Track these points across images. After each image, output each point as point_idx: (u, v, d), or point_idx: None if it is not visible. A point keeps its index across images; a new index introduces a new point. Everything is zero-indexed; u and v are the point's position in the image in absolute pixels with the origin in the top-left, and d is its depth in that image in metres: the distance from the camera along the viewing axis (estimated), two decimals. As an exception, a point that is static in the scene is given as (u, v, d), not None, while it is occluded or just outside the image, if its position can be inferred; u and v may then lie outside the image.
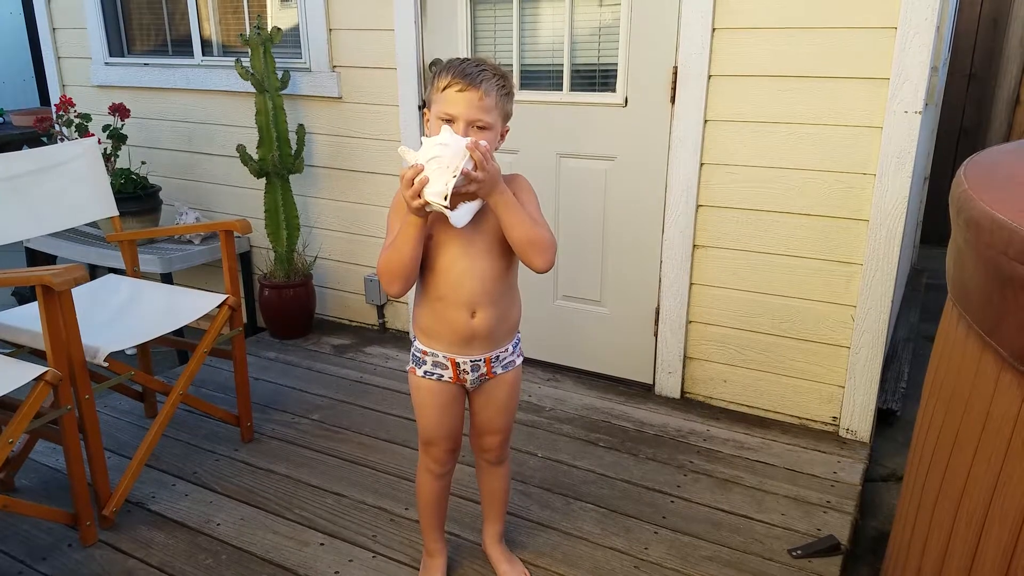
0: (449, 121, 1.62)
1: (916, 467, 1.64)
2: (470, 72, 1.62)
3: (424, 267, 1.73)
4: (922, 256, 4.97)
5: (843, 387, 2.73)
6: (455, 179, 1.54)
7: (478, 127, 1.63)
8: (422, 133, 1.73)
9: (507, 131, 1.74)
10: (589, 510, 2.34)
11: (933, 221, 5.00)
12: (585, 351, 3.23)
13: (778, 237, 2.71)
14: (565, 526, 2.26)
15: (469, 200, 1.64)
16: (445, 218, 1.62)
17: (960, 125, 5.37)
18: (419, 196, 1.56)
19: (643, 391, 3.10)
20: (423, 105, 3.17)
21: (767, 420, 2.88)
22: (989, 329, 1.32)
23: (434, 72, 1.68)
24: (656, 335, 3.02)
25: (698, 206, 2.80)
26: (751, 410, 2.93)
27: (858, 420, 2.72)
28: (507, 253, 1.75)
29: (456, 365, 1.80)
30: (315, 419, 2.90)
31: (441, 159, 1.55)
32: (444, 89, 1.63)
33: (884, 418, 2.96)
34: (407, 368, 1.88)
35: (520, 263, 1.77)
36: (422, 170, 1.55)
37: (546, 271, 1.72)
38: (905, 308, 4.08)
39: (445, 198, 1.54)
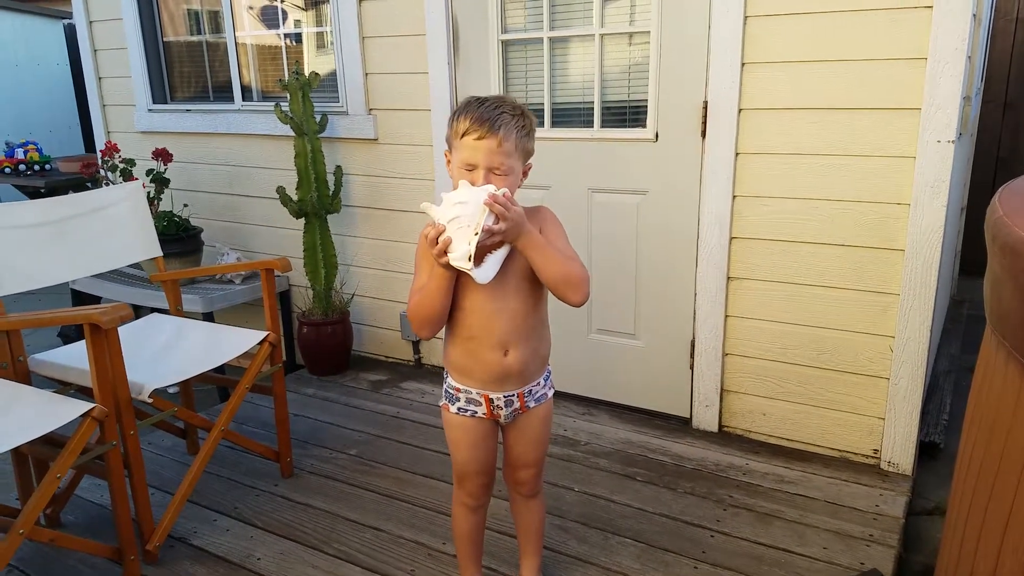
0: (469, 167, 1.64)
1: (959, 498, 1.61)
2: (488, 118, 1.61)
3: (454, 306, 1.74)
4: (961, 287, 4.89)
5: (883, 419, 2.69)
6: (477, 237, 1.54)
7: (498, 173, 1.64)
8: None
9: (529, 167, 1.75)
10: (628, 545, 2.32)
11: (971, 251, 4.93)
12: (620, 384, 3.23)
13: (813, 268, 2.70)
14: (603, 561, 2.25)
15: (496, 248, 1.64)
16: None
17: (996, 154, 5.32)
18: (444, 253, 1.58)
19: (680, 424, 3.09)
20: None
21: (807, 453, 2.84)
22: (1030, 355, 1.31)
23: (452, 113, 1.69)
24: (692, 368, 3.01)
25: (731, 238, 2.81)
26: (791, 443, 2.89)
27: (899, 452, 2.68)
28: (536, 289, 1.75)
29: (490, 401, 1.81)
30: (353, 454, 2.93)
31: (461, 219, 1.55)
32: (463, 136, 1.63)
33: (927, 451, 2.91)
34: (440, 404, 1.90)
35: (553, 297, 1.78)
36: (444, 230, 1.57)
37: (582, 304, 1.72)
38: (945, 340, 4.02)
39: (469, 259, 1.55)
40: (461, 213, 1.56)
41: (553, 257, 1.68)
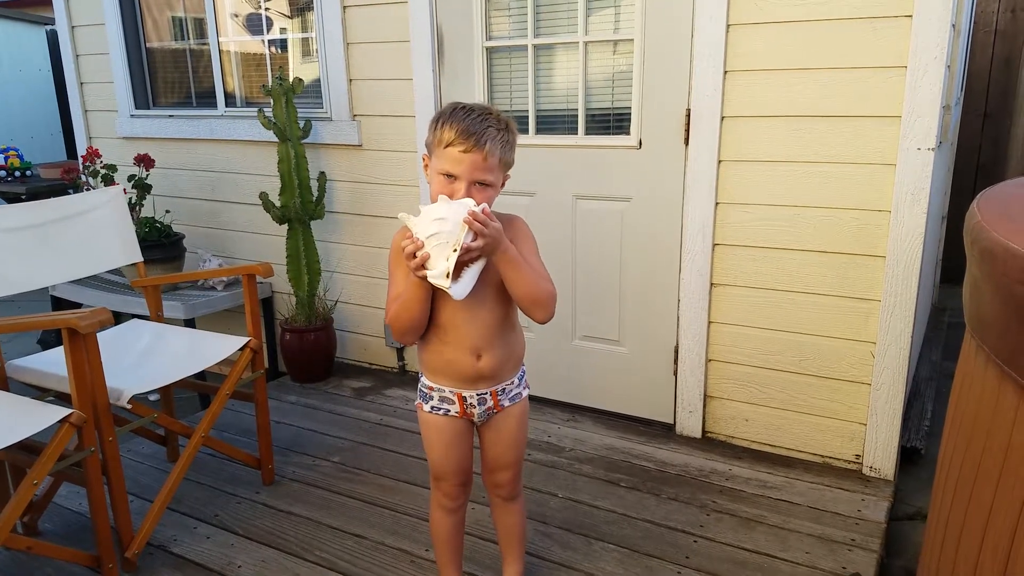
0: (450, 176, 1.63)
1: (940, 500, 1.62)
2: (475, 131, 1.59)
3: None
4: (942, 295, 4.94)
5: (865, 424, 2.71)
6: (456, 253, 1.54)
7: (480, 184, 1.63)
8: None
9: (508, 177, 1.74)
10: (611, 550, 2.32)
11: (952, 259, 4.98)
12: (604, 391, 3.22)
13: (795, 274, 2.72)
14: (587, 567, 2.24)
15: (472, 263, 1.63)
16: None
17: (977, 164, 5.38)
18: (421, 268, 1.58)
19: (664, 430, 3.09)
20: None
21: (790, 459, 2.85)
22: (1007, 359, 1.32)
23: (435, 119, 1.66)
24: (675, 374, 3.02)
25: (714, 245, 2.82)
26: (773, 449, 2.90)
27: (881, 457, 2.69)
28: (508, 299, 1.76)
29: (463, 400, 1.81)
30: (335, 461, 2.91)
31: (440, 235, 1.54)
32: (447, 146, 1.61)
33: (908, 456, 2.92)
34: (415, 403, 1.90)
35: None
36: (422, 246, 1.56)
37: (546, 322, 1.75)
38: (927, 346, 4.05)
39: (447, 276, 1.55)
40: (440, 229, 1.55)
41: (526, 275, 1.68)
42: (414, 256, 1.57)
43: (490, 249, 1.61)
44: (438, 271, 1.56)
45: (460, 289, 1.61)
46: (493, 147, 1.61)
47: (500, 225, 1.62)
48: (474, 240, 1.57)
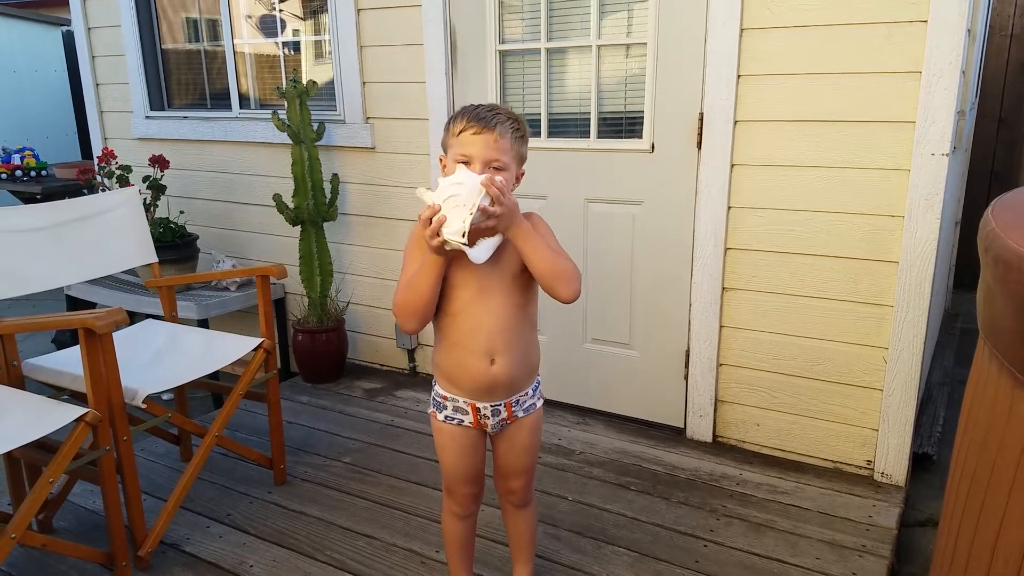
0: (466, 163, 1.65)
1: (952, 508, 1.61)
2: (484, 116, 1.66)
3: (440, 311, 1.75)
4: (956, 301, 4.92)
5: (877, 430, 2.70)
6: (472, 215, 1.56)
7: (494, 167, 1.66)
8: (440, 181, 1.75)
9: (522, 174, 1.76)
10: (621, 554, 2.32)
11: (966, 265, 4.95)
12: (615, 394, 3.23)
13: (808, 279, 2.71)
14: (596, 570, 2.24)
15: (488, 236, 1.65)
16: (462, 260, 1.64)
17: (991, 169, 5.35)
18: (437, 235, 1.58)
19: (674, 435, 3.09)
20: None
21: (801, 464, 2.85)
22: (1021, 366, 1.31)
23: (449, 119, 1.73)
24: (687, 378, 3.02)
25: (726, 249, 2.82)
26: (784, 454, 2.90)
27: (893, 463, 2.69)
28: (524, 291, 1.76)
29: (477, 411, 1.81)
30: (347, 462, 2.92)
31: (458, 197, 1.57)
32: (460, 133, 1.67)
33: (920, 462, 2.91)
34: (429, 411, 1.90)
35: (542, 301, 1.78)
36: (439, 210, 1.58)
37: (572, 300, 1.71)
38: (939, 352, 4.03)
39: (464, 235, 1.56)
40: (458, 192, 1.57)
41: (544, 249, 1.69)
42: (430, 223, 1.57)
43: (506, 222, 1.63)
44: (454, 228, 1.57)
45: (477, 253, 1.63)
46: (503, 129, 1.66)
47: (516, 200, 1.65)
48: (491, 205, 1.58)
